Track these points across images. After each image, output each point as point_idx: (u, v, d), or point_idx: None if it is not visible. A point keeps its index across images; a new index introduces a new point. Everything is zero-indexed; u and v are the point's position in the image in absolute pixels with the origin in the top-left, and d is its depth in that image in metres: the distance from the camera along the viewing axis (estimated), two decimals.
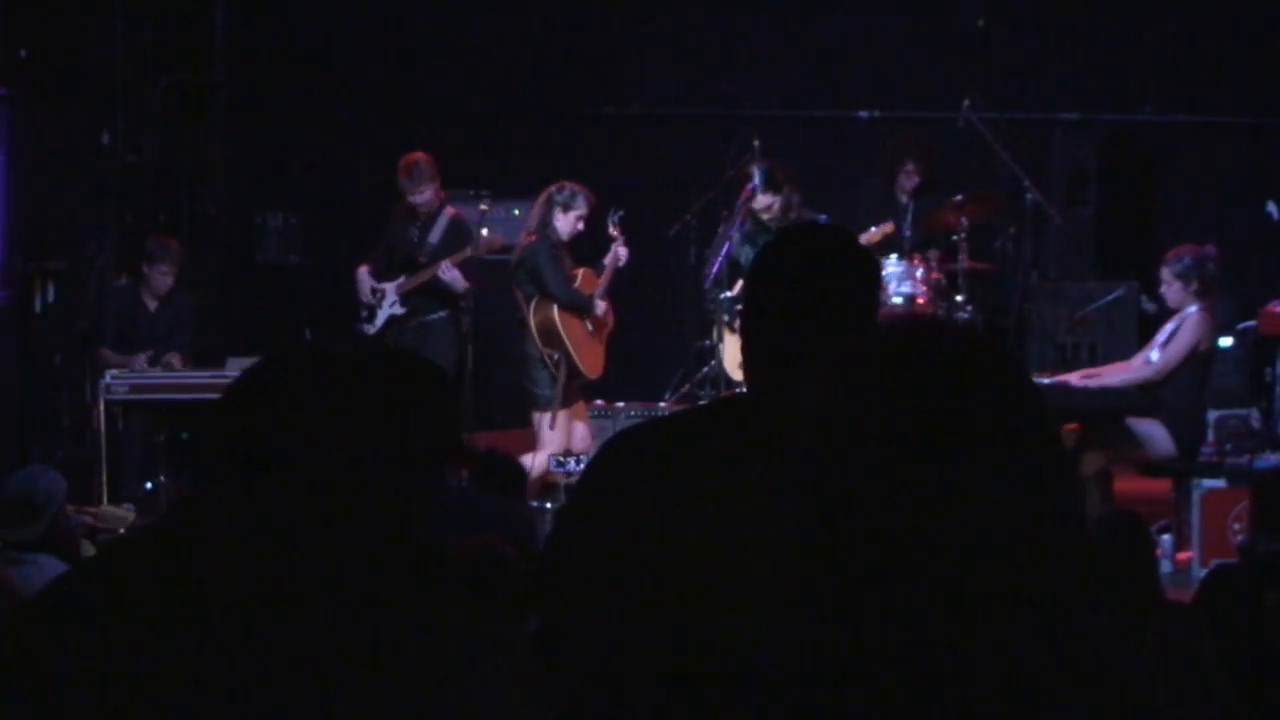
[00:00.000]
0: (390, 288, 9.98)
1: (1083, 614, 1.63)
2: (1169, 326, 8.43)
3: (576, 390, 9.50)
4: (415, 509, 2.07)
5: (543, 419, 9.30)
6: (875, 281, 2.68)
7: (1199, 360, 8.36)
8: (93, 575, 2.16)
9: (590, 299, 9.38)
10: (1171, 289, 8.37)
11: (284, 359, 2.11)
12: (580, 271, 9.45)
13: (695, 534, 2.42)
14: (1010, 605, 1.56)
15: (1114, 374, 8.61)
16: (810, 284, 2.57)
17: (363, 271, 10.02)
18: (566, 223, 9.28)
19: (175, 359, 9.90)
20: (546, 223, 9.28)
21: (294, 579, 1.99)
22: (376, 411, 2.04)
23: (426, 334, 9.90)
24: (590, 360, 9.39)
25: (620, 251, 9.50)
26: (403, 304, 9.97)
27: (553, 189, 9.35)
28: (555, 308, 9.24)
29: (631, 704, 2.39)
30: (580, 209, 9.29)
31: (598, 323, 9.45)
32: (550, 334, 9.25)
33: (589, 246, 9.65)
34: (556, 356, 9.25)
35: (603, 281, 9.46)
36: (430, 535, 2.11)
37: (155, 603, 2.00)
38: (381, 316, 10.00)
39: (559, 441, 9.25)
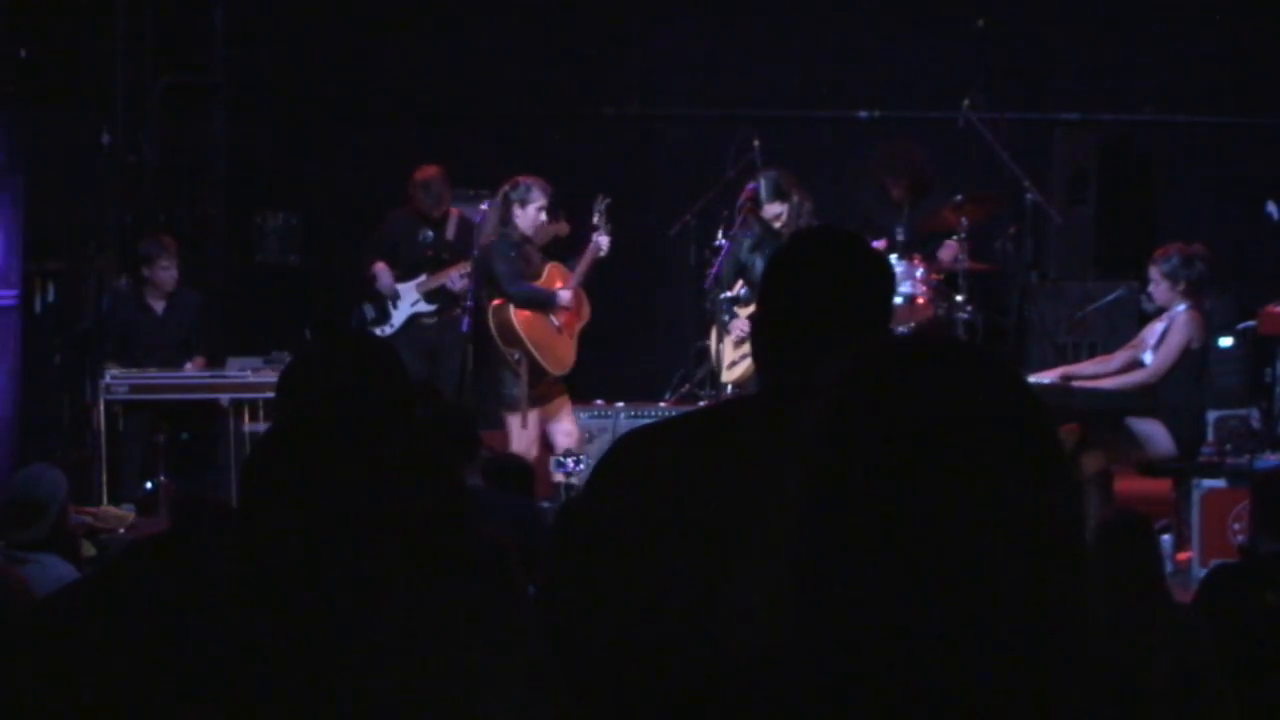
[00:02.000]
0: (410, 286, 10.06)
1: (1080, 612, 1.65)
2: (1158, 327, 8.43)
3: (553, 388, 9.41)
4: (444, 508, 2.09)
5: (512, 420, 9.26)
6: (889, 285, 2.67)
7: (1193, 359, 8.36)
8: (116, 579, 2.16)
9: (552, 295, 9.30)
10: (1159, 288, 8.38)
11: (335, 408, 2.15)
12: (549, 266, 9.42)
13: (706, 536, 2.41)
14: (1012, 606, 1.57)
15: (1094, 369, 8.61)
16: (823, 287, 2.57)
17: (383, 267, 10.08)
18: (526, 217, 9.25)
19: (198, 364, 9.89)
20: (506, 220, 9.25)
21: (321, 579, 2.00)
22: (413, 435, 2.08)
23: (446, 331, 10.02)
24: (555, 357, 9.30)
25: (601, 241, 9.43)
26: (428, 301, 10.06)
27: (506, 187, 9.31)
28: (511, 307, 9.21)
29: (640, 709, 2.39)
30: (538, 200, 9.26)
31: (565, 316, 9.38)
32: (508, 334, 9.19)
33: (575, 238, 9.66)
34: (518, 356, 9.20)
35: (578, 271, 9.39)
36: (458, 532, 2.13)
37: (180, 603, 2.01)
38: (401, 315, 10.08)
39: (531, 441, 9.22)
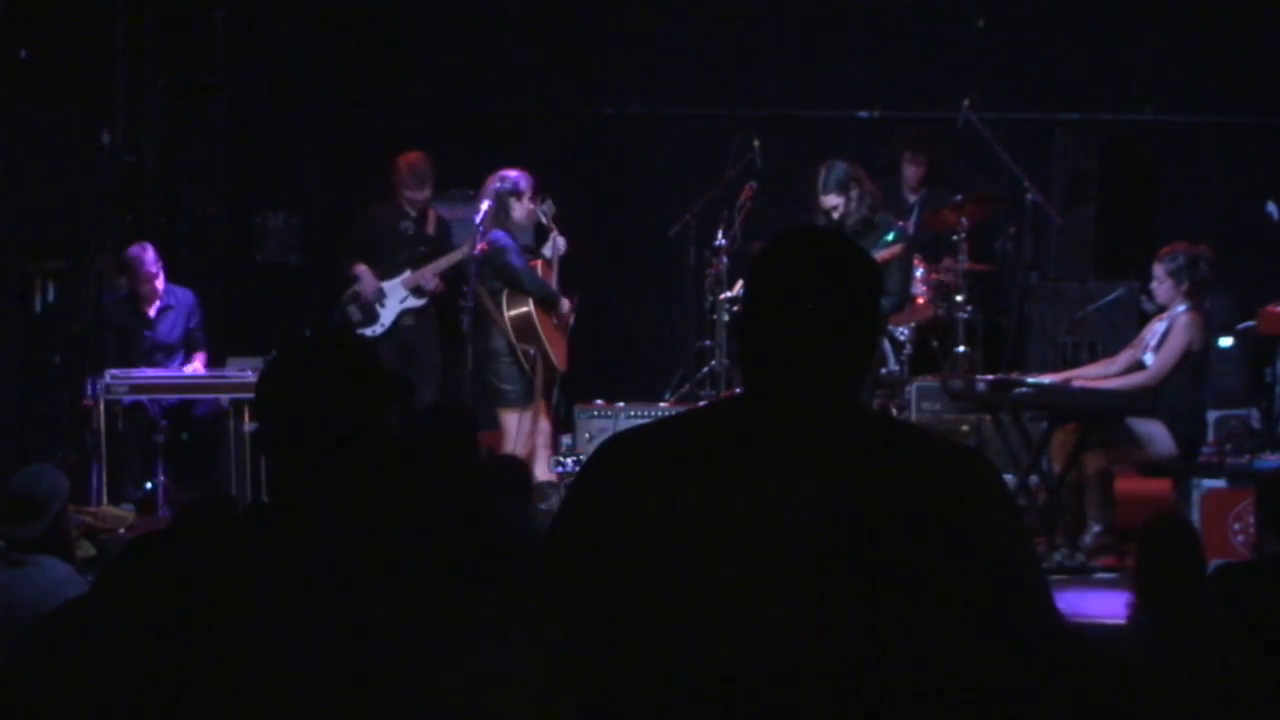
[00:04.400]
0: (396, 283, 10.01)
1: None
2: (1158, 327, 8.42)
3: (544, 386, 9.45)
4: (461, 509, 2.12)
5: (512, 417, 9.23)
6: (873, 286, 2.64)
7: (1194, 360, 8.36)
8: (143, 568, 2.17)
9: (557, 292, 9.36)
10: (1163, 286, 8.37)
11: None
12: (538, 264, 9.44)
13: (687, 536, 2.41)
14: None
15: (1099, 371, 8.60)
16: (806, 287, 2.56)
17: (364, 269, 10.02)
18: (522, 209, 9.27)
19: (198, 364, 9.89)
20: (503, 216, 9.23)
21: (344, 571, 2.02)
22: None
23: (422, 331, 10.01)
24: (560, 353, 9.37)
25: (559, 241, 9.47)
26: (416, 296, 10.02)
27: (496, 183, 9.29)
28: (530, 303, 9.19)
29: (621, 706, 2.39)
30: (528, 191, 9.29)
31: (561, 315, 9.43)
32: (527, 330, 9.19)
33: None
34: (533, 352, 9.19)
35: (554, 274, 9.44)
36: (476, 532, 2.15)
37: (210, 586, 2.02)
38: (390, 313, 10.02)
39: (526, 439, 9.22)
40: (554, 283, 9.41)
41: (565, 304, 9.42)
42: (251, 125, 11.83)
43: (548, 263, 9.46)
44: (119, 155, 10.73)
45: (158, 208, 11.11)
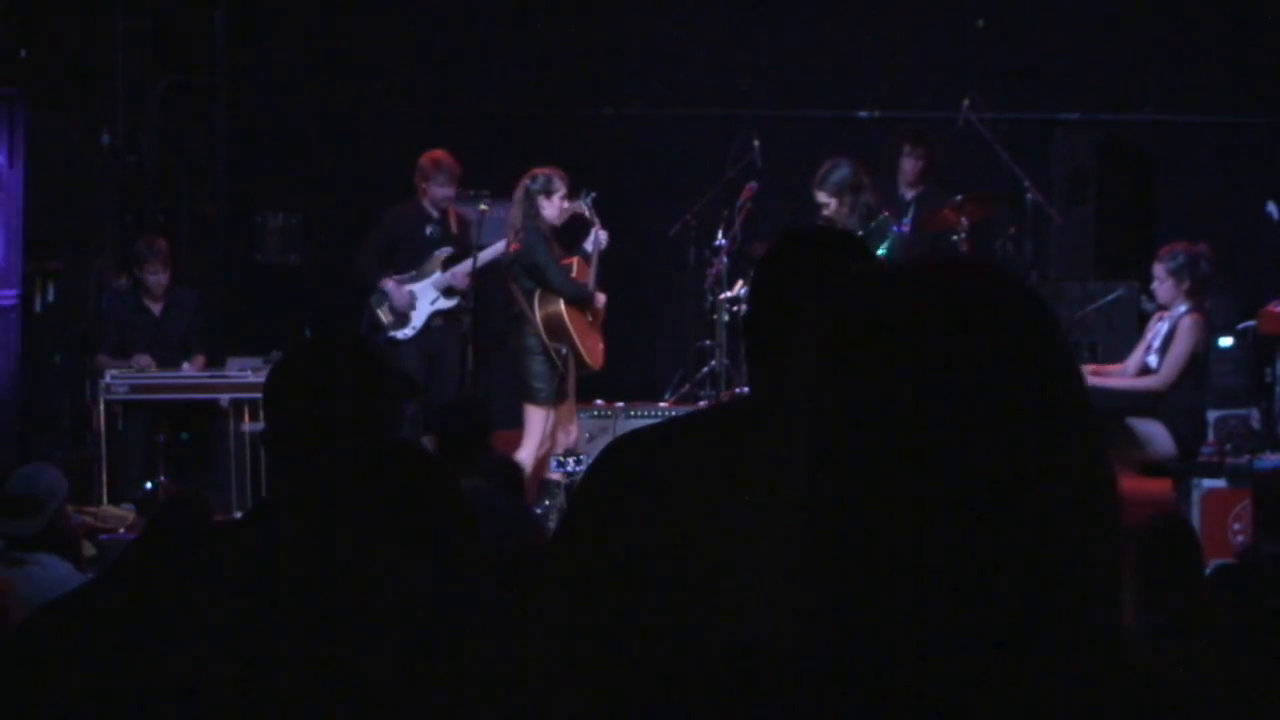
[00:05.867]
0: (427, 285, 9.91)
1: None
2: (1161, 327, 8.42)
3: (572, 385, 9.43)
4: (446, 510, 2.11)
5: (539, 414, 9.19)
6: None
7: (1195, 360, 8.37)
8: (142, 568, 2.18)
9: (590, 290, 9.31)
10: (1164, 286, 8.37)
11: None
12: (573, 261, 9.39)
13: (697, 538, 2.41)
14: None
15: (1113, 372, 8.61)
16: (810, 288, 2.56)
17: (392, 284, 9.83)
18: (552, 208, 9.19)
19: (198, 364, 9.88)
20: (534, 214, 9.17)
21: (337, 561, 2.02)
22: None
23: (449, 333, 9.92)
24: (594, 351, 9.33)
25: (601, 235, 9.40)
26: (447, 297, 9.92)
27: (526, 181, 9.23)
28: (561, 302, 9.15)
29: (632, 708, 2.39)
30: (560, 189, 9.21)
31: (596, 313, 9.40)
32: (558, 329, 9.14)
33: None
34: (564, 351, 9.16)
35: (593, 269, 9.37)
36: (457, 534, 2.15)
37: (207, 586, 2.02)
38: (421, 315, 9.90)
39: (549, 438, 9.20)
40: (592, 278, 9.32)
41: (601, 299, 9.35)
42: (251, 125, 11.83)
43: (586, 259, 9.38)
44: (119, 155, 10.74)
45: (158, 208, 11.11)
